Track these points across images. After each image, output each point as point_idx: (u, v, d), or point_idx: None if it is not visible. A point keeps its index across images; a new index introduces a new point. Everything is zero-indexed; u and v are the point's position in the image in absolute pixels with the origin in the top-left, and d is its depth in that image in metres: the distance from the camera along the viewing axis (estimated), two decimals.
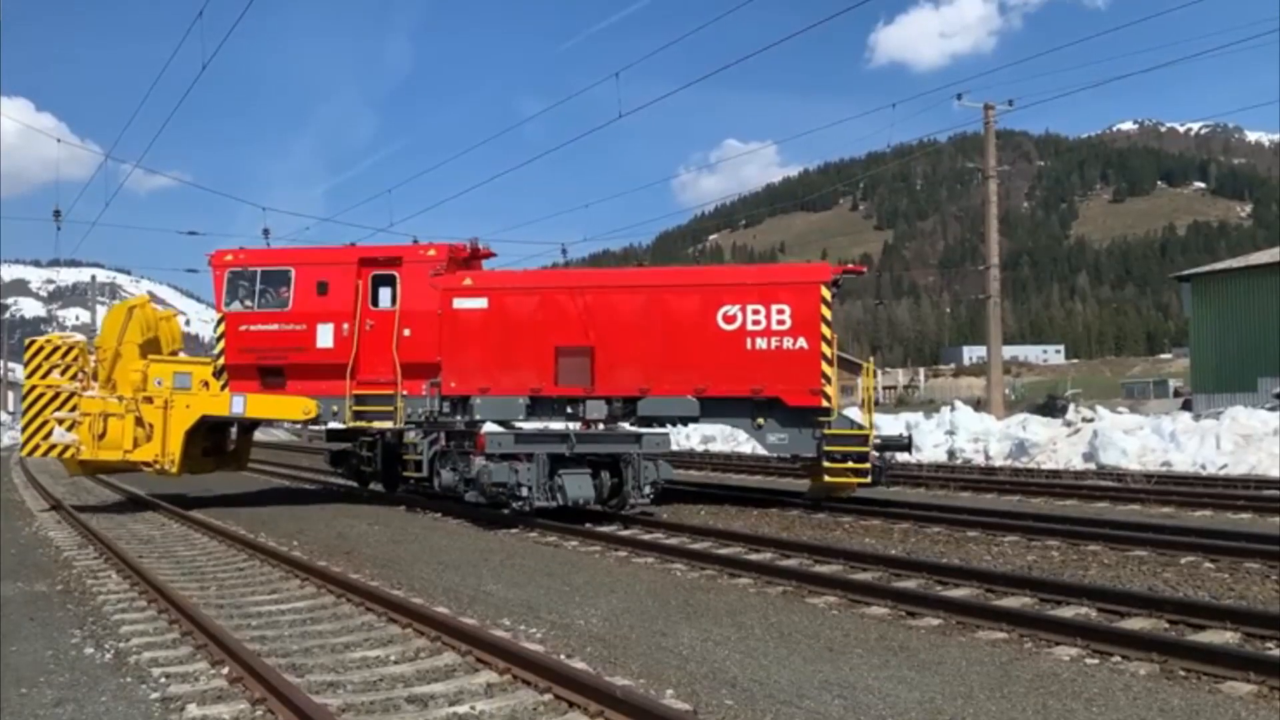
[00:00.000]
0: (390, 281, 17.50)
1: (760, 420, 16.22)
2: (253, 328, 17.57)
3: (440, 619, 7.67)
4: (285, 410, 17.94)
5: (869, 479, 15.62)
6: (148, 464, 17.41)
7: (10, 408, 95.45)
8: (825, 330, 16.03)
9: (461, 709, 5.74)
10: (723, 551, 11.54)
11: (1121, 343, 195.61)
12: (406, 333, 17.15)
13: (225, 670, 6.56)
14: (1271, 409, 24.48)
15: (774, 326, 16.06)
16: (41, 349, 17.63)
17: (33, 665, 6.97)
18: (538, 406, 16.31)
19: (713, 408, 16.36)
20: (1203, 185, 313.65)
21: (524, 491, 14.39)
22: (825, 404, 15.96)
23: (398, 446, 17.63)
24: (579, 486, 14.68)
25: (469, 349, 16.42)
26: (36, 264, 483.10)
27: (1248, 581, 9.36)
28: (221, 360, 17.61)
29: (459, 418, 16.34)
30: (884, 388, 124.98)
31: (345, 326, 17.35)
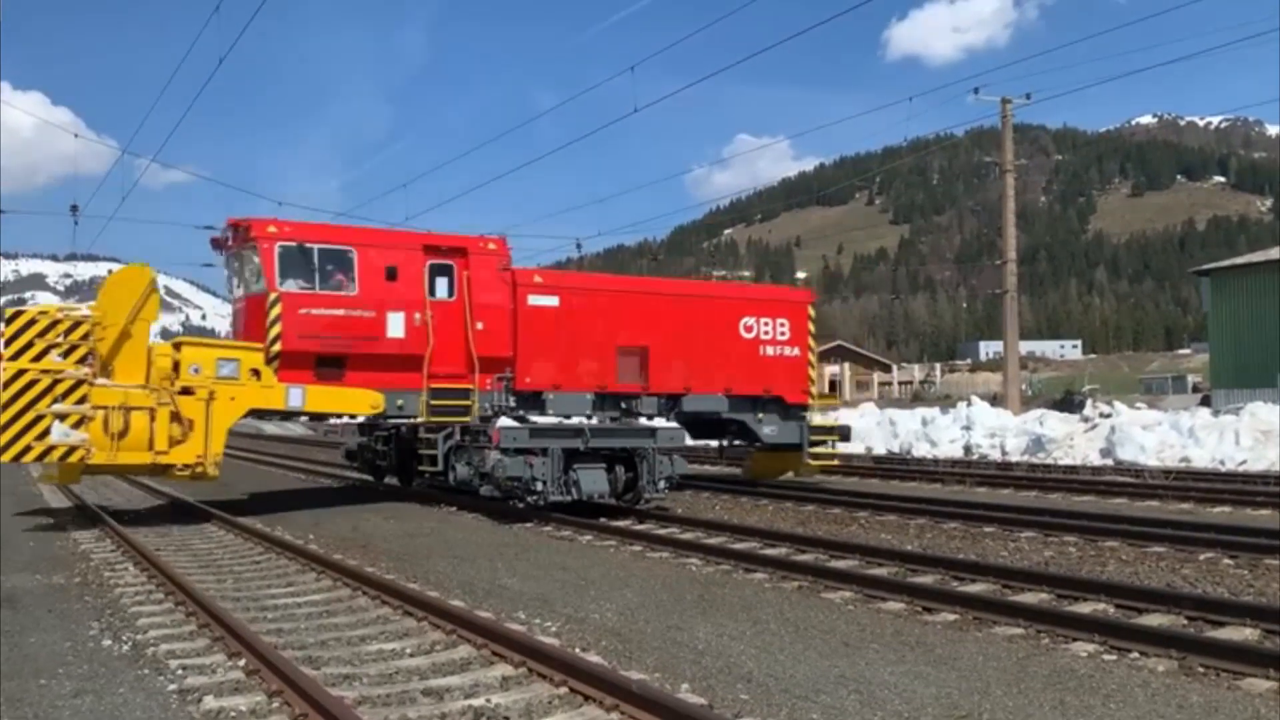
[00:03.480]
0: (447, 271, 16.77)
1: (760, 415, 18.79)
2: (314, 311, 15.63)
3: (456, 612, 7.68)
4: (351, 404, 16.22)
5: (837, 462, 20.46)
6: (186, 466, 14.61)
7: None
8: (811, 342, 19.60)
9: (477, 702, 5.75)
10: (738, 546, 11.53)
11: (1140, 338, 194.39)
12: (479, 326, 16.55)
13: (242, 662, 6.59)
14: None
15: (778, 337, 19.09)
16: (33, 322, 13.83)
17: (52, 656, 7.01)
18: (601, 403, 17.26)
19: (733, 405, 18.59)
20: (1222, 179, 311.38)
21: (539, 486, 14.42)
22: (810, 401, 19.43)
23: (413, 441, 17.64)
24: (594, 481, 14.70)
25: (543, 345, 16.90)
26: (54, 258, 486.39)
27: (1267, 578, 9.30)
28: (278, 346, 15.31)
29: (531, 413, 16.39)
30: (900, 383, 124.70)
31: (417, 316, 16.22)
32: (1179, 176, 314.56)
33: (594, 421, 15.93)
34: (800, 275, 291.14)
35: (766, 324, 18.91)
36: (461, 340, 16.44)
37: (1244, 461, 20.67)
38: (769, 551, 11.17)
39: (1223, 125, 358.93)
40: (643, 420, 16.54)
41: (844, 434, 20.49)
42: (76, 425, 13.67)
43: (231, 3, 19.91)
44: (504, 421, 15.21)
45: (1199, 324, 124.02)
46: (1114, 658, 6.57)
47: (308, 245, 15.86)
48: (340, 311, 15.76)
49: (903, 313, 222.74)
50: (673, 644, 7.07)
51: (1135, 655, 6.57)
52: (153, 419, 14.16)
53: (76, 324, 13.98)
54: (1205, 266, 46.56)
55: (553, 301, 17.14)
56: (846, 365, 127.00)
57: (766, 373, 18.72)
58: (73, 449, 13.63)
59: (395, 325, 16.07)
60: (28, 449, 13.48)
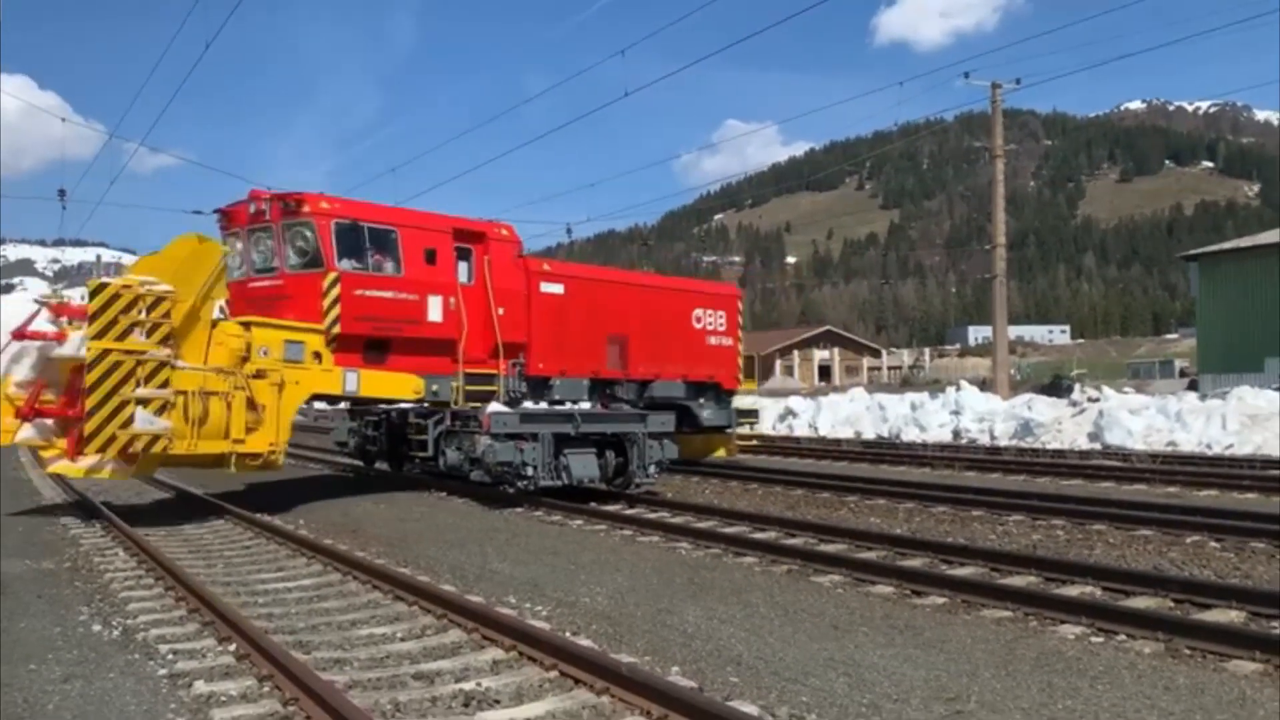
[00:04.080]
0: (467, 256, 16.66)
1: (701, 400, 20.19)
2: (368, 293, 15.17)
3: (446, 597, 7.69)
4: (397, 389, 15.78)
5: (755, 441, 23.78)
6: (257, 456, 13.83)
7: None
8: (740, 333, 21.51)
9: (468, 685, 5.76)
10: (728, 530, 11.56)
11: (1128, 323, 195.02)
12: (500, 311, 16.54)
13: (233, 647, 6.59)
14: (1278, 389, 24.41)
15: (718, 328, 20.68)
16: (117, 296, 12.43)
17: (41, 642, 7.00)
18: (593, 389, 17.99)
19: (687, 392, 19.98)
20: (1211, 164, 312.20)
21: (529, 471, 14.42)
22: (739, 386, 21.50)
23: (403, 427, 17.63)
24: (584, 466, 14.71)
25: (552, 332, 17.31)
26: (42, 243, 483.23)
27: (1253, 561, 9.37)
28: (337, 328, 14.81)
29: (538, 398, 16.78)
30: (889, 368, 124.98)
31: (451, 300, 16.06)
32: (1167, 162, 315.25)
33: (585, 406, 15.99)
34: (790, 260, 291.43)
35: (710, 315, 20.58)
36: (486, 325, 16.45)
37: (1231, 445, 20.79)
38: (758, 535, 11.20)
39: (1211, 110, 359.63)
40: (626, 406, 17.02)
41: (757, 416, 23.69)
42: (159, 412, 12.62)
43: None
44: (494, 406, 15.21)
45: (1187, 309, 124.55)
46: (1101, 640, 6.61)
47: (360, 224, 15.36)
48: (389, 294, 15.41)
49: (892, 298, 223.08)
50: (663, 627, 7.09)
51: (1122, 637, 6.62)
52: (228, 405, 13.35)
53: (158, 300, 12.81)
54: (1193, 251, 46.75)
55: (559, 289, 17.58)
56: (836, 350, 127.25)
57: (711, 361, 20.46)
58: (155, 438, 12.54)
59: (435, 309, 15.89)
60: (112, 439, 12.28)
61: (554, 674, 5.90)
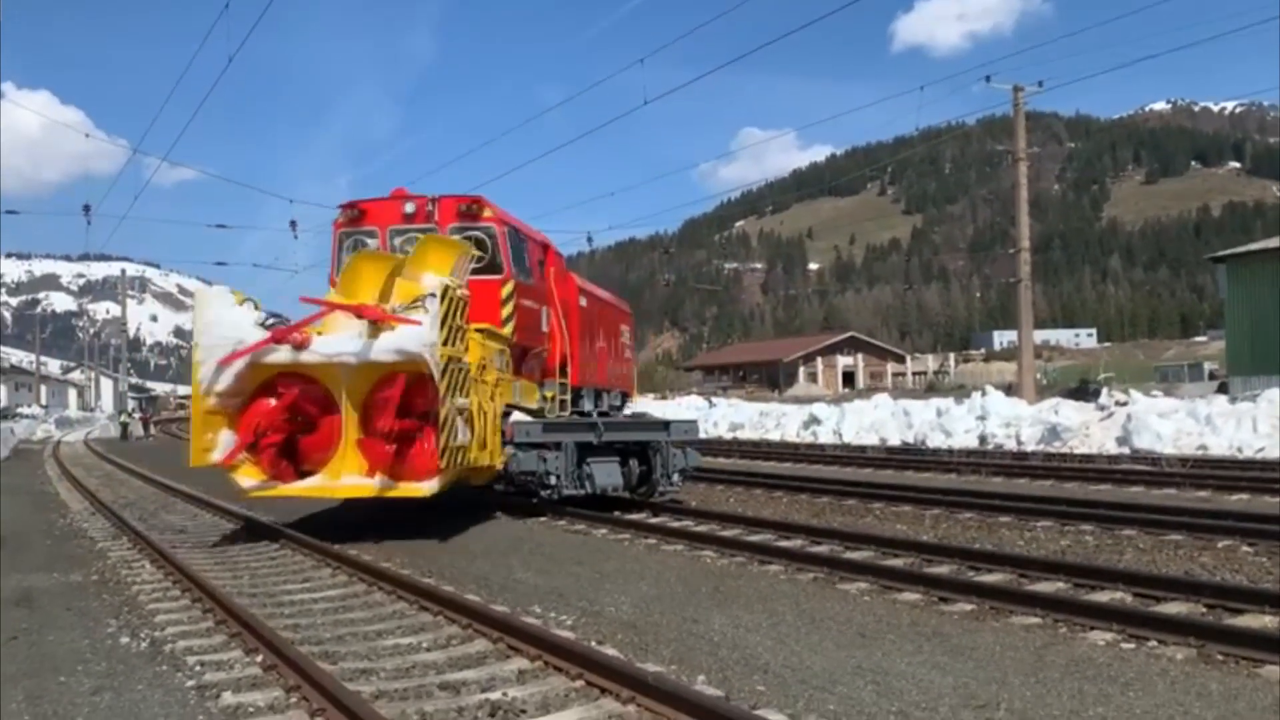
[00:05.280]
0: (543, 267, 16.49)
1: (615, 407, 20.54)
2: (525, 302, 14.94)
3: (471, 607, 7.69)
4: (531, 398, 15.41)
5: None
6: (493, 469, 13.36)
7: (44, 401, 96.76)
8: (633, 343, 22.60)
9: (494, 695, 5.75)
10: (752, 538, 11.51)
11: (1155, 326, 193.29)
12: (564, 323, 16.53)
13: (259, 658, 6.61)
14: None
15: (627, 342, 21.74)
16: (452, 299, 11.77)
17: (70, 654, 7.05)
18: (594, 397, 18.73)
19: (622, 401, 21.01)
20: (1237, 165, 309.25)
21: (552, 480, 14.39)
22: (635, 396, 23.06)
23: None
24: (608, 474, 14.68)
25: (585, 344, 17.61)
26: (67, 258, 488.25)
27: None
28: (515, 338, 14.55)
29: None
30: (914, 373, 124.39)
31: (547, 311, 15.93)
32: (1193, 163, 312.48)
33: (606, 415, 16.04)
34: (813, 266, 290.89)
35: (624, 329, 21.63)
36: (558, 336, 16.36)
37: (1262, 449, 20.54)
38: (784, 543, 11.14)
39: (1237, 110, 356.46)
40: (654, 414, 17.39)
41: None
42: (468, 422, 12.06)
43: (240, 3, 19.95)
44: (517, 416, 15.22)
45: (1215, 311, 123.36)
46: (1132, 646, 6.53)
47: (520, 231, 15.16)
48: (530, 303, 15.26)
49: (916, 303, 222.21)
50: (689, 636, 7.06)
51: (1154, 644, 6.54)
52: (484, 415, 12.77)
53: (465, 303, 12.33)
54: (1221, 253, 46.24)
55: (585, 302, 17.97)
56: (860, 356, 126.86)
57: (627, 372, 22.05)
58: (461, 450, 11.84)
59: (544, 320, 15.84)
60: (457, 453, 11.63)
61: (580, 683, 5.88)
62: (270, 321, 12.01)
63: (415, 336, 11.27)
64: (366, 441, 11.58)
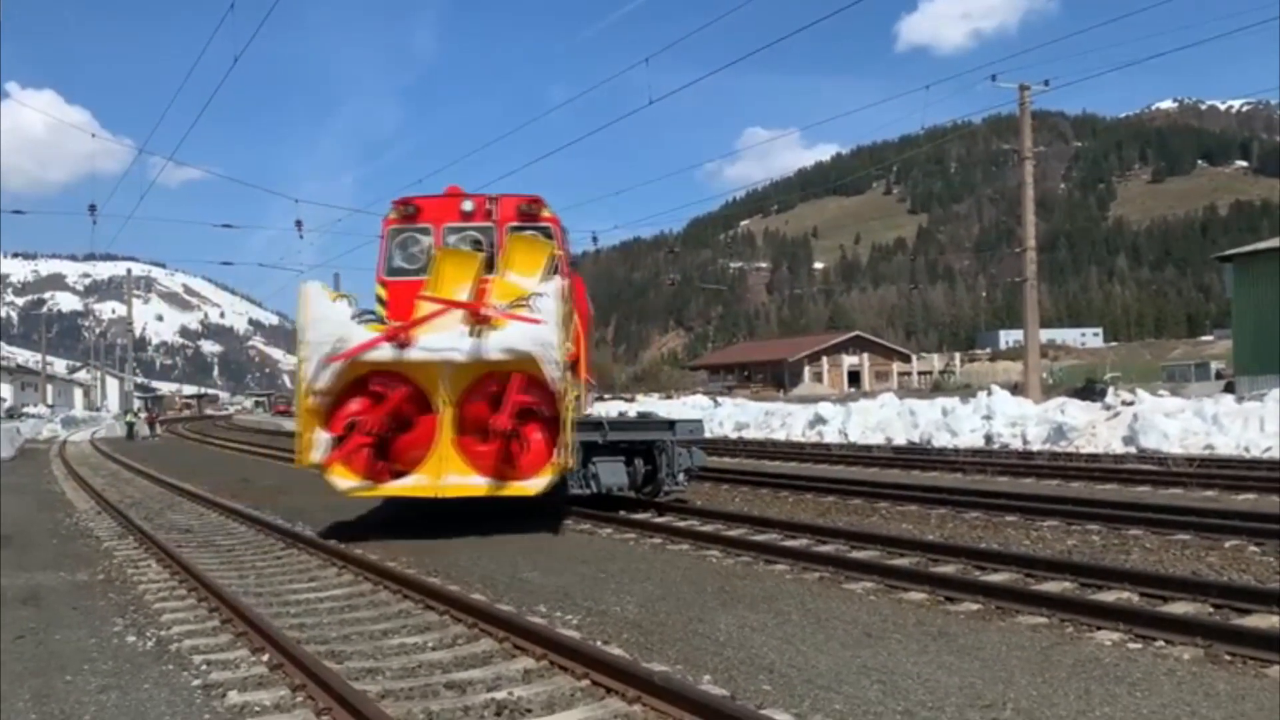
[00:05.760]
0: None
1: None
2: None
3: (477, 606, 7.69)
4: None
5: None
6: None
7: (49, 400, 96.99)
8: None
9: (500, 695, 5.75)
10: (758, 538, 11.50)
11: (1162, 325, 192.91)
12: (575, 321, 16.23)
13: (265, 657, 6.62)
14: None
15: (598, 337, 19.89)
16: (562, 292, 11.97)
17: (76, 653, 7.07)
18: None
19: None
20: (1244, 164, 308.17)
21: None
22: None
23: None
24: (613, 474, 14.66)
25: (589, 341, 17.09)
26: (73, 258, 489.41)
27: None
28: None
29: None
30: (919, 373, 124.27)
31: (575, 311, 15.25)
32: (1200, 161, 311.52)
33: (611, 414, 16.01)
34: (818, 265, 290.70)
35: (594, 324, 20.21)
36: (579, 336, 15.60)
37: (1269, 448, 20.47)
38: (789, 543, 11.12)
39: (1244, 109, 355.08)
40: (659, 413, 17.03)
41: None
42: None
43: (245, 3, 19.96)
44: None
45: (1222, 310, 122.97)
46: (1139, 646, 6.51)
47: (566, 231, 14.73)
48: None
49: (921, 302, 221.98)
50: (694, 636, 7.05)
51: (1161, 643, 6.52)
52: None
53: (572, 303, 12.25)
54: (1228, 252, 46.12)
55: (590, 301, 17.68)
56: (865, 356, 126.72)
57: (606, 367, 21.34)
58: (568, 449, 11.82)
59: (574, 319, 15.01)
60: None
61: (585, 683, 5.88)
62: (365, 317, 11.96)
63: (535, 335, 11.26)
64: (467, 441, 11.54)
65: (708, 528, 12.54)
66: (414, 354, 11.37)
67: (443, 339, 11.41)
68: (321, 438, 11.41)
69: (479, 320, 11.52)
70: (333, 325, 11.37)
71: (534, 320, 11.31)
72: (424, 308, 11.99)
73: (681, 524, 13.01)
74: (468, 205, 14.48)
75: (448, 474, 11.55)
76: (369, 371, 11.49)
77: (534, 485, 11.60)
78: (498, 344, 11.30)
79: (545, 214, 14.53)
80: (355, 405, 11.49)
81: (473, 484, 11.63)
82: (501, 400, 11.37)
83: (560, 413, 11.31)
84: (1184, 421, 22.43)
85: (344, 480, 11.63)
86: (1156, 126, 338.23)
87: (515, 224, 14.33)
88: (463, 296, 12.09)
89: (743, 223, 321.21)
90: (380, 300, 14.33)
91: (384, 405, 11.45)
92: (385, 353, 11.35)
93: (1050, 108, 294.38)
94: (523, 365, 11.32)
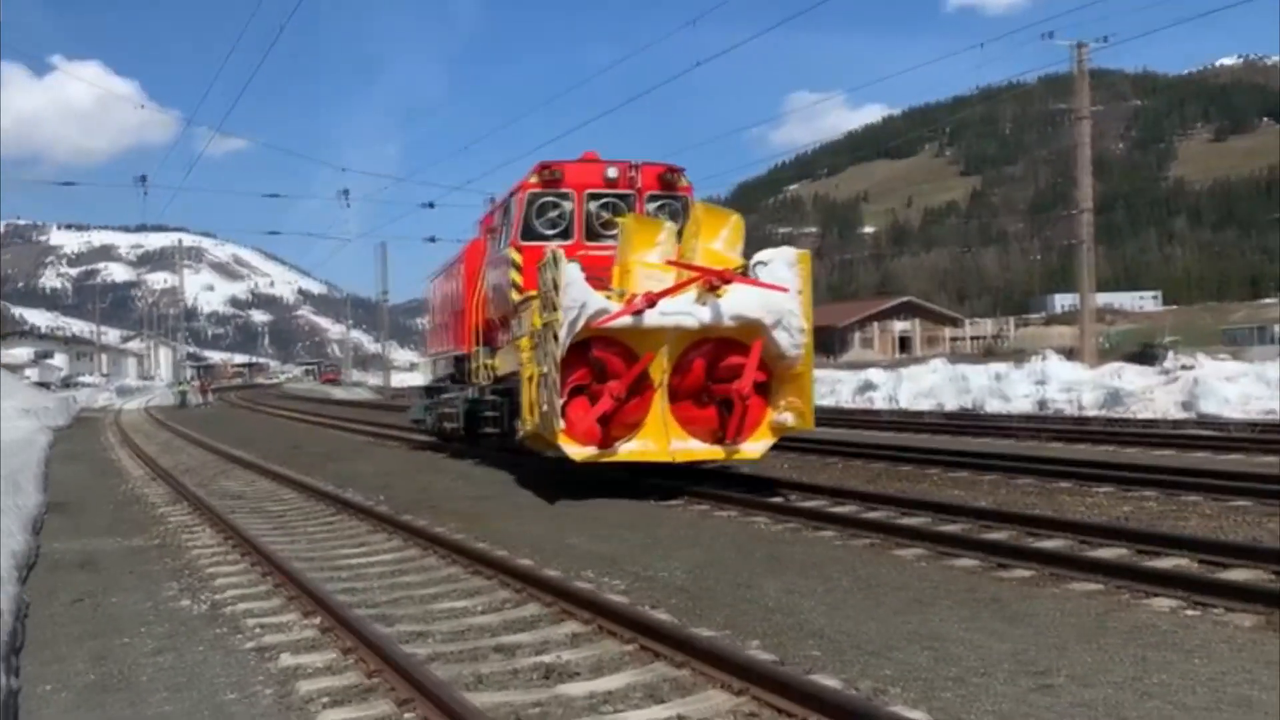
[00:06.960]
0: None
1: None
2: None
3: (524, 571, 7.72)
4: None
5: None
6: None
7: (104, 370, 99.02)
8: None
9: (548, 658, 5.77)
10: (805, 504, 11.42)
11: (1223, 288, 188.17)
12: None
13: (317, 621, 6.70)
14: None
15: None
16: (801, 260, 12.32)
17: (133, 616, 7.21)
18: None
19: None
20: None
21: None
22: None
23: (478, 404, 17.75)
24: None
25: None
26: (124, 229, 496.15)
27: None
28: None
29: None
30: (971, 338, 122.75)
31: None
32: (1264, 119, 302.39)
33: None
34: (868, 230, 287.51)
35: None
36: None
37: None
38: (838, 509, 11.03)
39: None
40: None
41: None
42: None
43: None
44: None
45: None
46: (1196, 613, 6.37)
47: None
48: None
49: (974, 266, 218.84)
50: (742, 601, 7.02)
51: (1219, 610, 6.37)
52: None
53: None
54: None
55: None
56: (916, 321, 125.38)
57: None
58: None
59: None
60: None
61: (632, 647, 5.88)
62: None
63: (770, 303, 11.43)
64: (682, 406, 11.71)
65: (754, 494, 12.48)
66: (650, 319, 11.35)
67: (678, 304, 11.48)
68: (558, 406, 11.17)
69: (712, 288, 11.57)
70: (577, 291, 11.16)
71: (775, 288, 11.45)
72: (650, 275, 11.84)
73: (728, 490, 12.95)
74: (612, 172, 14.45)
75: (675, 440, 11.77)
76: (590, 338, 11.36)
77: (757, 449, 12.03)
78: (731, 309, 11.40)
79: (682, 183, 14.65)
80: (578, 373, 11.40)
81: (705, 449, 11.88)
82: (713, 366, 11.60)
83: (803, 374, 11.65)
84: (1244, 386, 21.94)
85: (573, 448, 11.52)
86: (1220, 83, 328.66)
87: (655, 192, 14.40)
88: (653, 260, 12.08)
89: (790, 187, 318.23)
90: (515, 265, 14.25)
91: (630, 372, 11.43)
92: (625, 320, 11.36)
93: (1108, 65, 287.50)
94: (755, 332, 11.48)
